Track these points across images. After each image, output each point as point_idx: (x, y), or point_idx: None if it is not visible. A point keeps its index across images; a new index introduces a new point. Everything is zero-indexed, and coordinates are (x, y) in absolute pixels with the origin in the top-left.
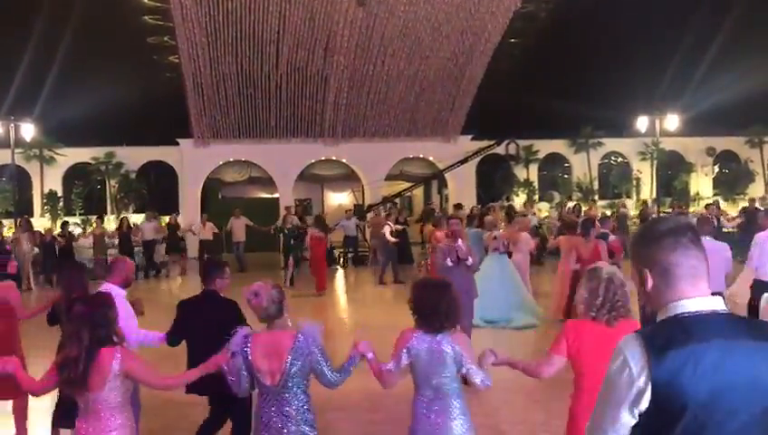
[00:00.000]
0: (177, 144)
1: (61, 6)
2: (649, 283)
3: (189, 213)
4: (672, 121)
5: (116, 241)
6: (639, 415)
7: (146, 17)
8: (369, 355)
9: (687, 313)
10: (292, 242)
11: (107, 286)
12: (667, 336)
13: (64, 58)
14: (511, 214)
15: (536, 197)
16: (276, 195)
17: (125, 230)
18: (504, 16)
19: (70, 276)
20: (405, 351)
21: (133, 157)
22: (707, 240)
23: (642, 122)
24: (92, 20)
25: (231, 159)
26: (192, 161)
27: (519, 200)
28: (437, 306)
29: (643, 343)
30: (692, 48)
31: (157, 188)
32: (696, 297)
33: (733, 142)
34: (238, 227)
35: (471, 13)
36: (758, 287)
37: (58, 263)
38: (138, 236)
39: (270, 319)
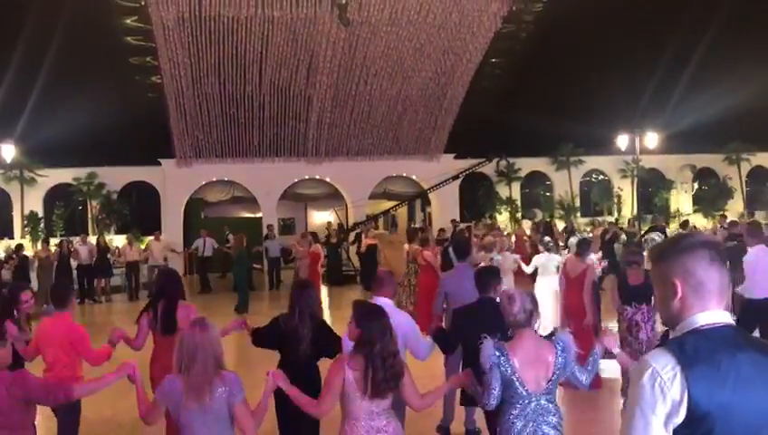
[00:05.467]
0: (160, 164)
1: (42, 26)
2: (679, 292)
3: (172, 233)
4: (652, 139)
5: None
6: (674, 427)
7: (128, 38)
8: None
9: (707, 325)
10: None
11: None
12: (695, 347)
13: (46, 78)
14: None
15: (519, 214)
16: (259, 214)
17: (65, 252)
18: (485, 36)
19: None
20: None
21: (115, 177)
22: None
23: (622, 140)
24: (74, 40)
25: (214, 179)
26: (174, 181)
27: (501, 218)
28: None
29: (673, 354)
30: (671, 67)
31: (139, 209)
32: (715, 310)
33: (711, 160)
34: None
35: (453, 33)
36: (744, 306)
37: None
38: (77, 259)
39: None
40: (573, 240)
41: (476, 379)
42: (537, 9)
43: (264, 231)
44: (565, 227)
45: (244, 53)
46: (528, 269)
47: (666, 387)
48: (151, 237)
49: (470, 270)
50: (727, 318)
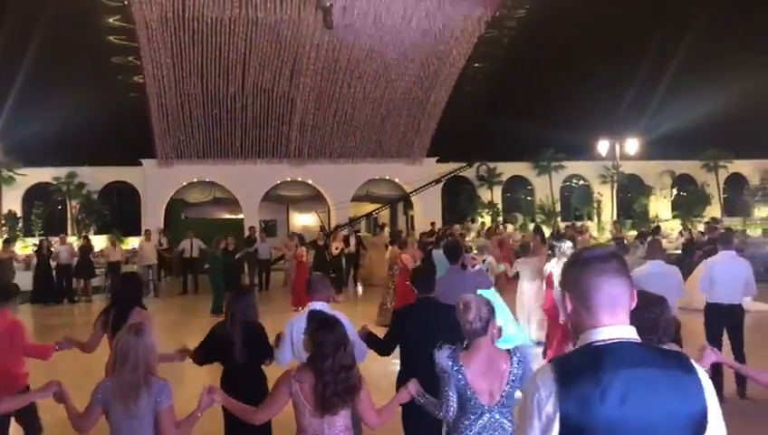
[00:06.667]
0: (141, 164)
1: (23, 24)
2: (569, 306)
3: (152, 234)
4: (632, 145)
5: (34, 262)
6: None
7: (110, 37)
8: None
9: (601, 341)
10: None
11: None
12: (577, 365)
13: (26, 77)
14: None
15: (500, 218)
16: (241, 216)
17: (45, 253)
18: (468, 41)
19: None
20: None
21: (95, 177)
22: (658, 263)
23: (603, 146)
24: (55, 38)
25: (195, 180)
26: (155, 182)
27: (481, 221)
28: (657, 323)
29: (554, 370)
30: (650, 74)
31: (119, 209)
32: (612, 326)
33: (690, 166)
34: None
35: (436, 38)
36: (712, 310)
37: None
38: (57, 259)
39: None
40: (560, 244)
41: (423, 388)
42: (520, 15)
43: (246, 232)
44: (552, 233)
45: (228, 54)
46: (511, 272)
47: (542, 403)
48: (141, 237)
49: (461, 272)
50: (622, 333)
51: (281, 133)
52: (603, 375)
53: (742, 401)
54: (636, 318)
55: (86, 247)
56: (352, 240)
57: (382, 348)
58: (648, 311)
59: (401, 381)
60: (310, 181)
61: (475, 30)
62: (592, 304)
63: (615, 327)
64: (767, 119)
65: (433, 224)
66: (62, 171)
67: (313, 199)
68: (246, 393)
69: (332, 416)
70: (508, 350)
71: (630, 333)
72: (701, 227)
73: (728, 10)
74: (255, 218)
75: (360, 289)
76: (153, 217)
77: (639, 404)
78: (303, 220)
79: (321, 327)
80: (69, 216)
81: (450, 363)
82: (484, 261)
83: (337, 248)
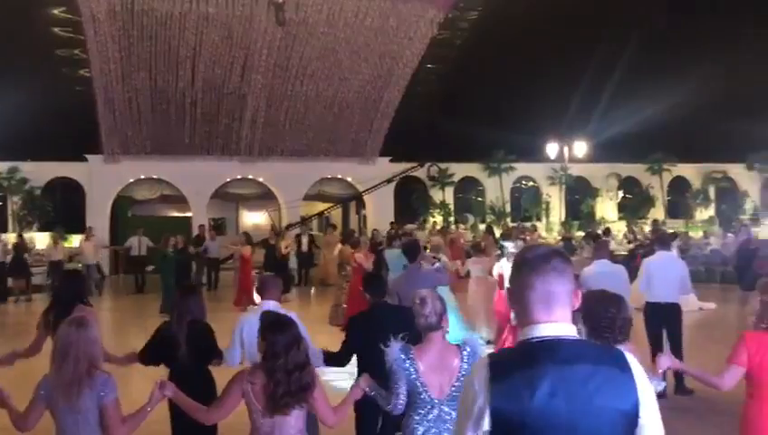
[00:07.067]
0: (86, 160)
1: None
2: (511, 303)
3: (98, 232)
4: (579, 148)
5: None
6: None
7: (56, 29)
8: None
9: (537, 337)
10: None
11: None
12: (510, 361)
13: None
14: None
15: (452, 218)
16: (189, 214)
17: None
18: (421, 42)
19: None
20: None
21: (38, 172)
22: (604, 263)
23: (552, 148)
24: None
25: (142, 177)
26: (101, 178)
27: (436, 220)
28: (614, 321)
29: (488, 365)
30: (597, 78)
31: (63, 206)
32: (548, 323)
33: (635, 169)
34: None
35: (390, 37)
36: (651, 309)
37: None
38: None
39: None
40: (507, 244)
41: (377, 383)
42: (472, 17)
43: (195, 231)
44: (503, 233)
45: (178, 49)
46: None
47: (476, 396)
48: (81, 236)
49: (420, 270)
50: (558, 331)
51: (231, 130)
52: (535, 371)
53: (680, 398)
54: (593, 317)
55: (20, 246)
56: (304, 239)
57: (340, 359)
58: (606, 310)
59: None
60: (261, 179)
61: (427, 31)
62: (528, 302)
63: (552, 324)
64: (709, 123)
65: (392, 223)
66: (2, 166)
67: (264, 198)
68: (192, 395)
69: (284, 416)
70: (458, 344)
71: (568, 331)
72: (646, 229)
73: (671, 15)
74: (204, 216)
75: (312, 289)
76: (99, 214)
77: (569, 400)
78: (254, 219)
79: (273, 326)
80: (9, 212)
81: (402, 357)
82: (438, 260)
83: (287, 247)
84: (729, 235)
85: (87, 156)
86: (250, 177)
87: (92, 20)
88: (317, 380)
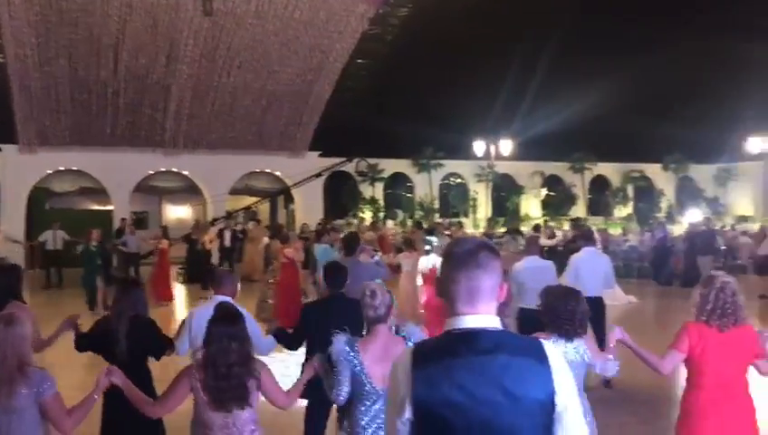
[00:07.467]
0: (0, 150)
1: None
2: (439, 293)
3: (12, 225)
4: (505, 146)
5: None
6: (408, 423)
7: None
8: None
9: (459, 328)
10: (99, 262)
11: None
12: (432, 351)
13: None
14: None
15: (381, 214)
16: (110, 207)
17: None
18: (351, 37)
19: None
20: None
21: None
22: (534, 259)
23: (479, 146)
24: None
25: (61, 168)
26: (16, 169)
27: (365, 216)
28: (574, 314)
29: (412, 354)
30: (521, 78)
31: None
32: (471, 315)
33: (558, 168)
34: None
35: (320, 31)
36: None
37: None
38: None
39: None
40: (431, 240)
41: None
42: (403, 14)
43: (117, 224)
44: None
45: (99, 36)
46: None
47: (399, 384)
48: None
49: (359, 264)
50: (481, 322)
51: (155, 121)
52: (454, 361)
53: (602, 389)
54: (554, 311)
55: None
56: (227, 234)
57: (291, 342)
58: (566, 303)
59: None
60: (185, 172)
61: (358, 25)
62: (454, 294)
63: (475, 316)
64: (626, 124)
65: (322, 220)
66: None
67: (189, 191)
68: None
69: (228, 412)
70: (404, 336)
71: (490, 322)
72: (566, 226)
73: (585, 18)
74: (127, 210)
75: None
76: (14, 207)
77: (486, 389)
78: (178, 213)
79: (218, 320)
80: None
81: (347, 349)
82: (377, 252)
83: (211, 241)
84: (646, 232)
85: (1, 146)
86: (174, 170)
87: (7, 3)
88: (264, 368)
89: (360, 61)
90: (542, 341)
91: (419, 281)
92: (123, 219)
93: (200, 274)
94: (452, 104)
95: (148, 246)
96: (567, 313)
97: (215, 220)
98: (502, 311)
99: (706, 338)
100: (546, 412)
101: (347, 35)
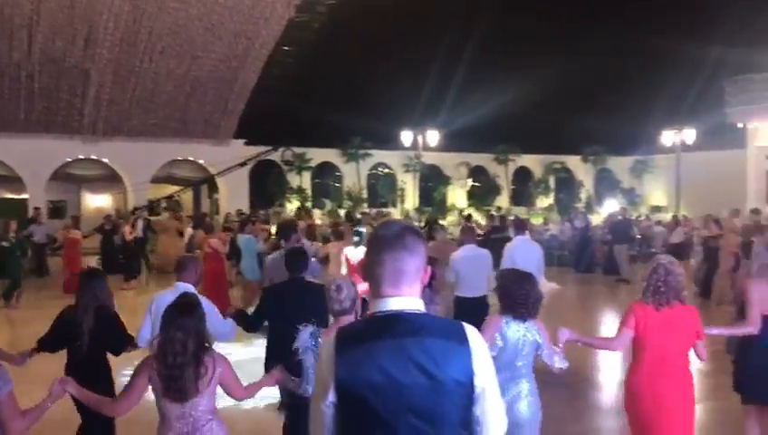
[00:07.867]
0: None
1: None
2: (364, 276)
3: None
4: (432, 137)
5: None
6: (332, 407)
7: None
8: None
9: (383, 311)
10: (19, 253)
11: None
12: (356, 332)
13: None
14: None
15: (309, 204)
16: (25, 196)
17: None
18: (277, 23)
19: None
20: (498, 335)
21: None
22: (471, 247)
23: (406, 137)
24: None
25: None
26: None
27: (291, 206)
28: (528, 297)
29: (336, 337)
30: (447, 69)
31: None
32: (395, 297)
33: (483, 159)
34: None
35: (245, 16)
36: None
37: None
38: None
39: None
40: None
41: (288, 370)
42: (330, 2)
43: (31, 214)
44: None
45: (11, 16)
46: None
47: (325, 366)
48: None
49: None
50: (404, 304)
51: (73, 107)
52: (375, 343)
53: (548, 375)
54: (509, 294)
55: None
56: (139, 224)
57: (250, 325)
58: (521, 286)
59: (269, 356)
60: (105, 160)
61: (284, 12)
62: (378, 277)
63: (398, 298)
64: (550, 117)
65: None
66: None
67: (109, 180)
68: (88, 385)
69: (182, 403)
70: None
71: (413, 304)
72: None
73: (516, 11)
74: (43, 199)
75: (146, 275)
76: None
77: (407, 371)
78: (97, 202)
79: (173, 309)
80: None
81: (312, 342)
82: (312, 242)
83: (131, 233)
84: (566, 222)
85: None
86: (93, 157)
87: None
88: (222, 359)
89: (286, 48)
90: (463, 323)
91: (344, 269)
92: (36, 208)
93: (116, 265)
94: (380, 94)
95: (59, 236)
96: (521, 296)
97: (135, 209)
98: (432, 299)
99: (648, 316)
100: (466, 393)
101: (273, 22)
